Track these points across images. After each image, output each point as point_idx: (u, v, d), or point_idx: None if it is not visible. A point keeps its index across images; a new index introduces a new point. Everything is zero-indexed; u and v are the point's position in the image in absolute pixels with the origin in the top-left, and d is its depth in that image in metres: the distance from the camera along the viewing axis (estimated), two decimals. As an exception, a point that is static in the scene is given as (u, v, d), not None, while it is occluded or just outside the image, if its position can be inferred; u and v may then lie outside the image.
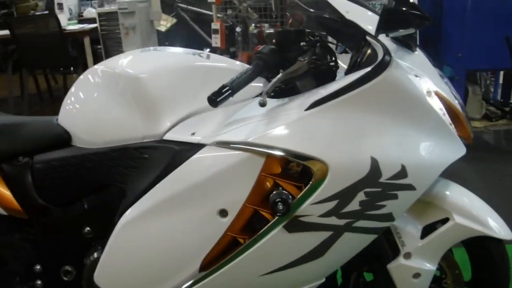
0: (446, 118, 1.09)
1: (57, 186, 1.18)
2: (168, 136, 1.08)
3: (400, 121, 1.03)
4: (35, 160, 1.20)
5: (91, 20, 5.17)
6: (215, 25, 4.02)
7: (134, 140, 1.11)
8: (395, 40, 1.07)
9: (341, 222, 1.02)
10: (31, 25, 4.29)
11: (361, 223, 1.04)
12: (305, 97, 1.04)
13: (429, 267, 1.17)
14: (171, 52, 1.23)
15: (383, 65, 1.00)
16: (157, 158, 1.07)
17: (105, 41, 5.22)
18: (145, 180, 1.06)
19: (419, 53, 1.14)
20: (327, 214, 1.01)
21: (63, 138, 1.20)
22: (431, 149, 1.06)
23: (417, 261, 1.17)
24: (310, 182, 0.98)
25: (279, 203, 0.95)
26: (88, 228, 1.19)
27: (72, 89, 1.23)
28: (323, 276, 1.11)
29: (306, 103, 1.01)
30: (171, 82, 1.11)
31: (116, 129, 1.14)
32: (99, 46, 5.15)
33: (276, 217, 0.99)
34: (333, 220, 1.02)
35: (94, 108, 1.17)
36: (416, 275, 1.16)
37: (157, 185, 1.04)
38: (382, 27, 0.97)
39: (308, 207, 0.99)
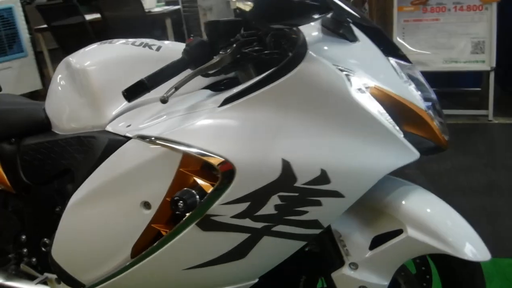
0: (386, 118, 0.95)
1: (36, 166, 1.31)
2: (108, 127, 1.13)
3: (319, 120, 0.92)
4: (22, 143, 1.34)
5: (176, 2, 5.46)
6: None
7: (85, 129, 1.18)
8: (331, 30, 0.96)
9: (258, 225, 0.97)
10: (119, 8, 4.69)
11: (282, 228, 0.97)
12: (227, 92, 0.99)
13: (378, 281, 1.06)
14: (121, 45, 1.26)
15: (296, 59, 0.90)
16: (96, 148, 1.12)
17: (187, 22, 5.49)
18: (87, 168, 1.13)
19: (361, 44, 1.00)
20: (240, 216, 0.96)
21: (45, 124, 1.33)
22: (363, 153, 0.94)
23: (363, 273, 1.06)
24: (217, 182, 0.94)
25: (180, 202, 0.94)
26: (59, 207, 1.31)
27: (53, 77, 1.34)
28: (254, 277, 1.07)
29: (221, 98, 0.96)
30: (114, 75, 1.14)
31: (74, 118, 1.22)
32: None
33: (188, 215, 0.98)
34: (248, 222, 0.97)
35: (61, 97, 1.27)
36: (362, 288, 1.06)
37: (92, 173, 1.10)
38: (254, 18, 0.88)
39: (218, 207, 0.96)
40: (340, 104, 0.92)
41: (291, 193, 0.93)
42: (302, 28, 0.94)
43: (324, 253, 1.09)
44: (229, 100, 0.95)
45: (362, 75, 0.95)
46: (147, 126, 1.04)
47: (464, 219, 1.08)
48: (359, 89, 0.93)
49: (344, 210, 0.99)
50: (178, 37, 5.14)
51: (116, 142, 1.07)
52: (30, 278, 1.39)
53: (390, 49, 1.07)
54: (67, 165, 1.24)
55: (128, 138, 1.05)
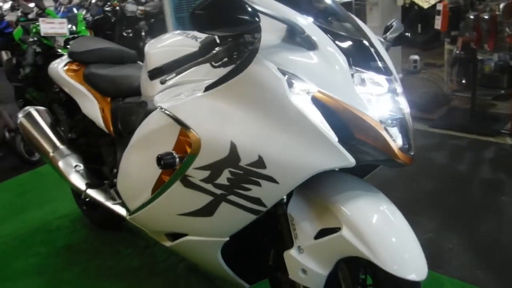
0: (322, 122, 1.05)
1: (126, 120, 1.80)
2: (155, 97, 1.50)
3: (261, 115, 1.08)
4: (124, 101, 1.85)
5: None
6: (439, 5, 3.72)
7: (147, 97, 1.59)
8: (294, 36, 1.10)
9: (217, 191, 1.21)
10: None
11: (234, 198, 1.19)
12: (212, 80, 1.23)
13: (317, 269, 1.17)
14: (178, 35, 1.58)
15: (247, 61, 1.08)
16: (144, 111, 1.52)
17: (358, 15, 5.59)
18: (138, 125, 1.54)
19: (318, 53, 1.09)
20: (205, 181, 1.22)
21: (138, 90, 1.80)
22: (295, 149, 1.06)
23: (307, 258, 1.19)
24: (190, 150, 1.21)
25: (161, 160, 1.24)
26: None
27: None
28: (225, 235, 1.31)
29: (205, 86, 1.22)
30: (166, 58, 1.47)
31: (143, 88, 1.64)
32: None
33: (174, 172, 1.29)
34: (211, 188, 1.21)
35: (140, 72, 1.70)
36: (304, 271, 1.19)
37: (136, 129, 1.50)
38: (195, 27, 1.03)
39: (192, 170, 1.23)
40: (277, 103, 1.07)
41: (237, 170, 1.14)
42: (264, 35, 1.11)
43: (281, 232, 1.26)
44: (207, 89, 1.21)
45: (308, 80, 1.07)
46: (168, 100, 1.37)
47: (412, 234, 1.10)
48: (299, 93, 1.06)
49: (281, 195, 1.14)
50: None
51: (152, 109, 1.44)
52: (114, 199, 1.91)
53: (369, 59, 1.14)
54: (136, 121, 1.68)
55: (156, 108, 1.41)
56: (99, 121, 1.88)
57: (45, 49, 3.57)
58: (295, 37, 1.11)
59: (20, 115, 2.21)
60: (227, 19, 1.00)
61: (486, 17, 3.27)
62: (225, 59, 1.19)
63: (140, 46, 3.95)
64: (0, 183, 3.16)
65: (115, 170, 1.91)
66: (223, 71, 1.20)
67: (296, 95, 1.06)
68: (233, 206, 1.20)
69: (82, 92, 1.95)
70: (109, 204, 1.88)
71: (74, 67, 2.03)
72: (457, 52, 3.55)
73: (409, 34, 1.44)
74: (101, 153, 2.03)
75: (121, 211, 1.81)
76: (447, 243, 2.06)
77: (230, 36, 1.13)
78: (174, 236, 1.48)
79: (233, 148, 1.13)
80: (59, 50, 3.46)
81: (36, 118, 2.18)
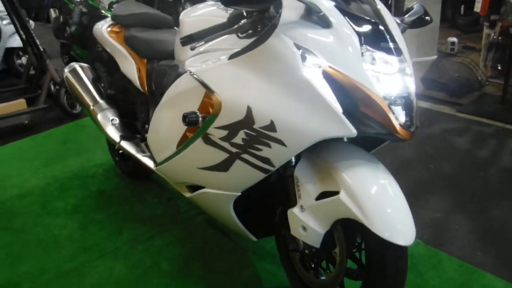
0: (329, 94, 1.16)
1: (160, 80, 1.96)
2: (186, 61, 1.64)
3: (276, 84, 1.21)
4: (159, 63, 2.01)
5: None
6: (481, -12, 3.64)
7: (180, 61, 1.73)
8: (311, 15, 1.20)
9: (233, 149, 1.36)
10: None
11: (247, 157, 1.33)
12: (236, 50, 1.35)
13: (316, 227, 1.31)
14: (211, 6, 1.68)
15: (267, 35, 1.20)
16: (175, 73, 1.67)
17: (397, 1, 5.48)
18: (169, 86, 1.69)
19: (332, 31, 1.19)
20: (223, 139, 1.37)
21: (172, 53, 1.94)
22: (303, 117, 1.18)
23: (307, 217, 1.33)
24: (212, 110, 1.36)
25: (186, 118, 1.39)
26: None
27: None
28: (237, 190, 1.46)
29: (229, 54, 1.35)
30: (198, 26, 1.59)
31: (176, 52, 1.78)
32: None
33: (197, 130, 1.44)
34: (228, 146, 1.37)
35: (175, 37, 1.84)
36: (304, 228, 1.34)
37: (168, 89, 1.66)
38: (223, 1, 1.13)
39: (212, 129, 1.38)
40: (291, 75, 1.19)
41: (251, 131, 1.28)
42: (284, 12, 1.22)
43: (286, 191, 1.40)
44: (231, 57, 1.34)
45: (320, 55, 1.18)
46: (197, 65, 1.51)
47: (404, 202, 1.22)
48: (311, 66, 1.17)
49: (288, 157, 1.28)
50: (397, 11, 5.23)
51: (183, 72, 1.59)
52: (144, 152, 2.10)
53: (382, 40, 1.23)
54: (168, 83, 1.84)
55: (186, 71, 1.55)
56: (136, 80, 2.05)
57: (91, 9, 3.77)
58: (312, 15, 1.21)
59: (66, 70, 2.42)
60: None
61: (529, 3, 3.20)
62: (250, 31, 1.31)
63: (179, 11, 4.07)
64: (45, 131, 3.44)
65: (146, 126, 2.10)
66: (247, 42, 1.32)
67: (308, 68, 1.18)
68: (246, 164, 1.35)
69: (122, 52, 2.11)
70: (139, 155, 2.08)
71: (116, 29, 2.20)
72: (495, 37, 3.49)
73: (429, 18, 1.50)
74: (135, 110, 2.22)
75: (149, 163, 2.00)
76: (454, 224, 2.14)
77: (255, 11, 1.25)
78: (194, 188, 1.65)
79: (249, 111, 1.26)
80: (103, 12, 3.65)
81: (80, 74, 2.38)
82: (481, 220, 2.17)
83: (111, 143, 2.38)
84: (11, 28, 4.02)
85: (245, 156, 1.34)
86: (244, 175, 1.40)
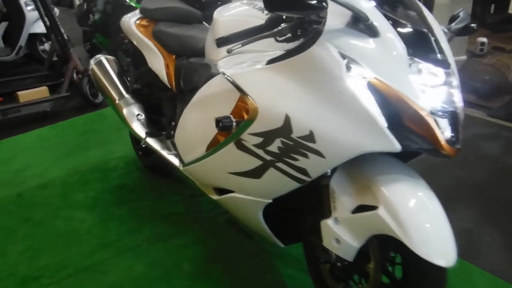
0: (372, 107, 1.10)
1: (189, 78, 1.92)
2: (218, 62, 1.59)
3: (317, 94, 1.15)
4: (188, 60, 1.96)
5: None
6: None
7: (211, 60, 1.68)
8: (358, 23, 1.14)
9: (267, 157, 1.31)
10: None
11: (282, 166, 1.28)
12: (273, 53, 1.29)
13: (351, 241, 1.26)
14: (245, 5, 1.63)
15: (310, 42, 1.14)
16: (207, 73, 1.62)
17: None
18: (200, 86, 1.64)
19: (379, 41, 1.13)
20: (257, 146, 1.32)
21: (203, 51, 1.90)
22: (345, 130, 1.12)
23: (342, 229, 1.28)
24: (247, 116, 1.31)
25: (219, 122, 1.34)
26: None
27: None
28: (269, 197, 1.42)
29: (267, 58, 1.29)
30: (233, 27, 1.54)
31: (207, 51, 1.72)
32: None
33: (230, 135, 1.39)
34: (262, 153, 1.32)
35: (204, 33, 1.79)
36: (337, 241, 1.29)
37: (199, 90, 1.61)
38: (266, 6, 1.09)
39: (246, 135, 1.33)
40: (334, 85, 1.13)
41: (288, 141, 1.23)
42: (329, 18, 1.15)
43: (320, 202, 1.35)
44: (269, 62, 1.28)
45: (366, 66, 1.11)
46: (231, 67, 1.45)
47: (445, 220, 1.16)
48: (356, 77, 1.11)
49: (326, 169, 1.22)
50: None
51: (215, 73, 1.54)
52: (170, 149, 2.07)
53: (429, 51, 1.17)
54: (198, 81, 1.79)
55: (219, 73, 1.50)
56: (163, 76, 2.01)
57: (115, -1, 3.74)
58: (358, 24, 1.15)
59: (92, 62, 2.39)
60: (297, 2, 1.05)
61: None
62: (289, 35, 1.25)
63: (203, 3, 3.99)
64: (66, 120, 3.44)
65: (173, 123, 2.06)
66: (285, 45, 1.26)
67: (352, 79, 1.12)
68: (280, 173, 1.30)
69: (150, 47, 2.07)
70: (164, 153, 2.05)
71: (144, 22, 2.15)
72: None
73: (475, 26, 1.42)
74: (161, 106, 2.18)
75: (175, 161, 1.97)
76: (486, 235, 2.07)
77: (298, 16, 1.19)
78: (222, 191, 1.61)
79: (287, 120, 1.21)
80: (128, 1, 3.61)
81: (106, 66, 2.34)
82: (514, 233, 2.09)
83: (134, 136, 2.35)
84: (35, 14, 4.01)
85: (280, 164, 1.29)
86: (277, 184, 1.36)
